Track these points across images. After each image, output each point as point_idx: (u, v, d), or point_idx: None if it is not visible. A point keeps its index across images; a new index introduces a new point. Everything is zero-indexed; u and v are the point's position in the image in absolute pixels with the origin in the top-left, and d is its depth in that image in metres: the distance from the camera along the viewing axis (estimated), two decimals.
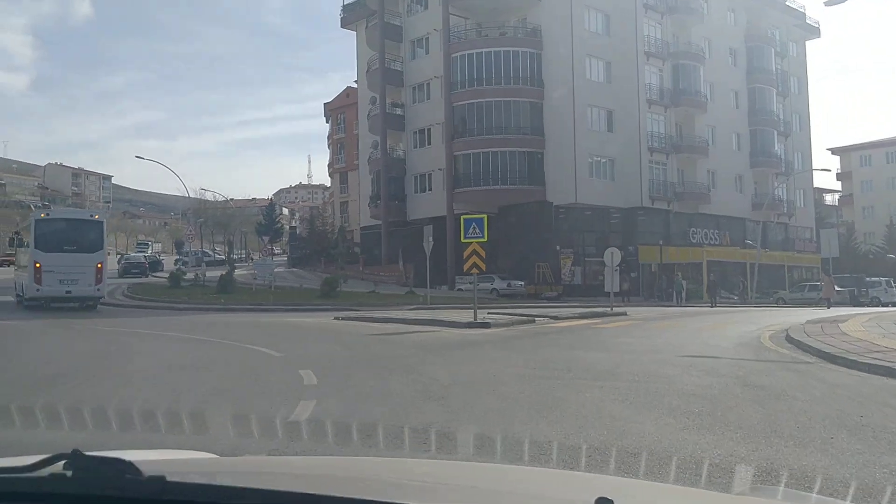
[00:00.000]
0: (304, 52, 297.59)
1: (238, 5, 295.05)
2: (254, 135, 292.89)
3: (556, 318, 23.01)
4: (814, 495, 3.23)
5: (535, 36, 49.18)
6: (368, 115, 57.39)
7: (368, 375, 9.85)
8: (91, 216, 27.58)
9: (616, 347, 13.65)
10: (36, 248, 25.61)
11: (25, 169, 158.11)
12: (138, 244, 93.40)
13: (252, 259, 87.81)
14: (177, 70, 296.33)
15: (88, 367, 11.11)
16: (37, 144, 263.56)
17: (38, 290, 25.29)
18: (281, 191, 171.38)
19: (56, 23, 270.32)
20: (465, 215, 21.99)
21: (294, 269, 57.15)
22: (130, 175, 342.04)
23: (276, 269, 33.13)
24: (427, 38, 53.80)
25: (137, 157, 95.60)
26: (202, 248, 64.16)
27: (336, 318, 21.77)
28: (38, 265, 25.48)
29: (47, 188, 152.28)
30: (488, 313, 22.50)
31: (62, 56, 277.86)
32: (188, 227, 52.69)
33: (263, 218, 74.81)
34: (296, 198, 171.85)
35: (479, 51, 49.04)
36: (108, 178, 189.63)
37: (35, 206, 36.72)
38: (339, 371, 10.27)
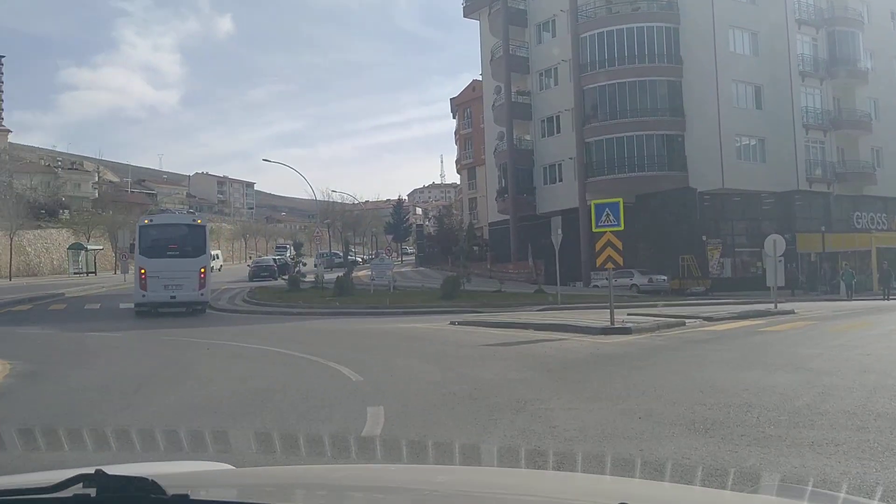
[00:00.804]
0: (435, 54, 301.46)
1: (372, 13, 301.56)
2: (389, 138, 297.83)
3: (710, 319, 19.44)
4: (842, 495, 2.52)
5: (670, 9, 44.78)
6: (493, 105, 54.73)
7: (458, 419, 7.08)
8: (193, 220, 26.48)
9: (804, 364, 10.21)
10: (140, 254, 24.99)
11: (175, 179, 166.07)
12: (277, 247, 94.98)
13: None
14: (317, 80, 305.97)
15: (121, 395, 8.99)
16: (187, 156, 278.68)
17: (143, 296, 24.54)
18: (415, 191, 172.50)
19: (201, 40, 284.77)
20: (596, 201, 18.88)
21: (421, 269, 55.35)
22: (274, 182, 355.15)
23: (402, 269, 30.96)
24: (553, 21, 50.51)
25: (265, 160, 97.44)
26: (329, 249, 63.59)
27: (452, 324, 19.14)
28: (142, 271, 24.69)
29: (194, 196, 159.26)
30: (628, 314, 19.24)
31: (208, 71, 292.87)
32: (316, 229, 51.73)
33: (392, 217, 73.66)
34: (429, 197, 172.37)
35: (610, 28, 45.21)
36: (251, 184, 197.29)
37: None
38: (419, 410, 7.56)
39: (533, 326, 17.45)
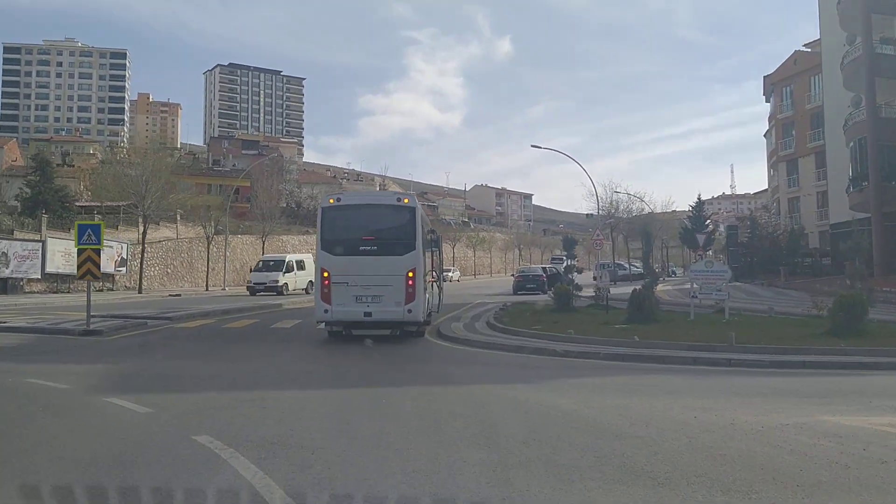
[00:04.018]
0: (717, 62, 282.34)
1: (651, 25, 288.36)
2: (668, 151, 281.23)
3: None
4: None
5: None
6: (842, 63, 40.03)
7: None
8: (398, 200, 17.02)
9: None
10: (322, 248, 16.27)
11: (456, 194, 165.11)
12: (552, 259, 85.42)
13: (673, 273, 73.52)
14: (593, 95, 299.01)
15: None
16: (469, 174, 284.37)
17: (326, 311, 15.89)
18: (697, 204, 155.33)
19: (481, 62, 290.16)
20: None
21: (737, 284, 41.78)
22: (552, 198, 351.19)
23: (726, 283, 18.91)
24: None
25: (533, 146, 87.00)
26: (613, 259, 52.08)
27: None
28: (325, 274, 15.58)
29: (473, 208, 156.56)
30: None
31: (488, 92, 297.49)
32: (595, 233, 40.43)
33: (689, 222, 60.21)
34: (719, 208, 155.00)
35: None
36: (529, 196, 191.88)
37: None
38: None
39: None
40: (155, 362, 12.88)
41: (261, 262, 44.05)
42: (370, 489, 5.05)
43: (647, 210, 61.42)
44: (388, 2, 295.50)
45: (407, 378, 10.92)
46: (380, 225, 16.49)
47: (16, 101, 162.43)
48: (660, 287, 42.38)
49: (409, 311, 15.54)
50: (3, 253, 36.41)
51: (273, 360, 13.10)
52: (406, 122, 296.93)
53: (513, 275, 49.33)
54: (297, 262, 43.81)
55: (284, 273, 41.47)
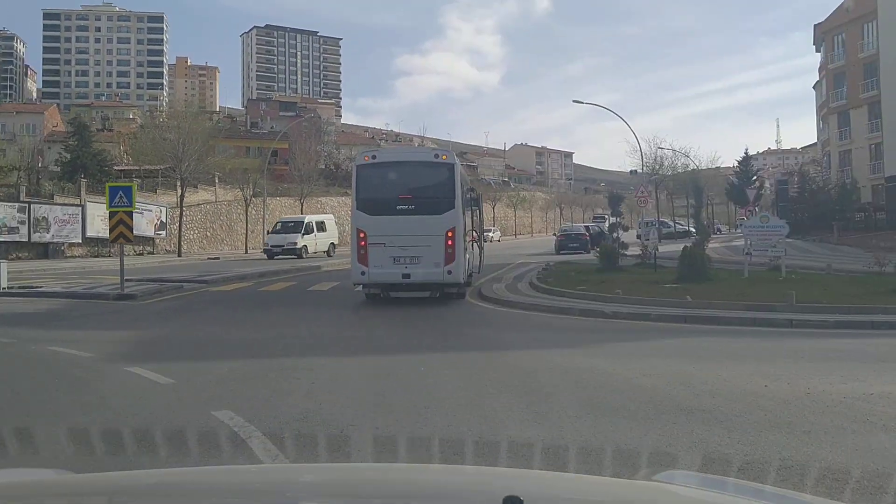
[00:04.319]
0: (764, 14, 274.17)
1: None
2: (712, 106, 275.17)
3: None
4: (731, 479, 2.89)
5: None
6: None
7: None
8: (436, 157, 16.24)
9: None
10: (358, 208, 15.63)
11: (496, 153, 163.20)
12: (594, 217, 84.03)
13: (718, 231, 71.70)
14: (634, 51, 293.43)
15: None
16: (509, 133, 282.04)
17: (363, 273, 15.30)
18: (744, 159, 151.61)
19: (519, 19, 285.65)
20: None
21: (788, 240, 40.33)
22: (593, 156, 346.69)
23: (782, 239, 17.92)
24: None
25: (575, 101, 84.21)
26: (658, 216, 50.80)
27: None
28: (361, 234, 14.91)
29: (513, 167, 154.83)
30: None
31: (526, 50, 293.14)
32: (640, 189, 39.15)
33: (737, 177, 58.44)
34: (764, 164, 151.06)
35: None
36: (570, 154, 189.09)
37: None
38: None
39: None
40: (186, 328, 12.44)
41: (279, 224, 41.86)
42: None
43: (691, 166, 59.66)
44: None
45: (448, 344, 10.27)
46: (417, 183, 15.76)
47: (56, 67, 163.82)
48: (715, 244, 41.21)
49: (449, 272, 14.85)
50: (44, 218, 36.54)
51: (307, 325, 12.55)
52: (444, 82, 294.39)
53: (555, 234, 48.34)
54: (317, 223, 41.77)
55: (303, 235, 39.25)
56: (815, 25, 65.88)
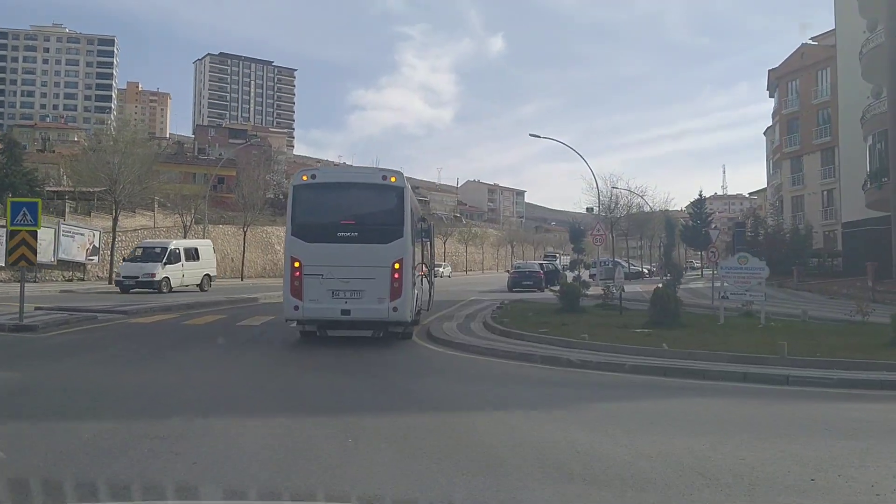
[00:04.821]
0: (709, 64, 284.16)
1: (643, 26, 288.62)
2: (659, 152, 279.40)
3: None
4: None
5: None
6: (861, 52, 37.60)
7: None
8: (383, 178, 13.94)
9: None
10: (293, 234, 13.65)
11: (448, 189, 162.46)
12: (545, 255, 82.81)
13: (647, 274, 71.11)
14: (586, 95, 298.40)
15: None
16: (461, 170, 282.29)
17: (296, 307, 13.25)
18: (698, 201, 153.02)
19: (473, 60, 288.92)
20: None
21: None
22: (544, 196, 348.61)
23: (762, 283, 16.45)
24: None
25: (532, 135, 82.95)
26: (613, 256, 49.60)
27: None
28: (296, 263, 13.01)
29: (465, 204, 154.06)
30: None
31: (480, 89, 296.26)
32: (596, 227, 37.74)
33: (692, 219, 57.88)
34: (711, 208, 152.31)
35: None
36: (521, 193, 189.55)
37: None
38: None
39: None
40: (72, 369, 10.32)
41: (139, 250, 34.05)
42: None
43: (646, 207, 58.92)
44: None
45: (388, 401, 8.37)
46: (362, 207, 13.87)
47: (1, 87, 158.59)
48: (651, 286, 39.84)
49: (395, 308, 12.96)
50: None
51: (221, 369, 10.54)
52: (397, 118, 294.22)
53: (507, 271, 46.73)
54: (187, 250, 34.52)
55: (166, 265, 31.94)
56: (769, 71, 66.43)
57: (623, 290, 19.58)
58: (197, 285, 33.98)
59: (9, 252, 15.65)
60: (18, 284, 14.93)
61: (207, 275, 35.56)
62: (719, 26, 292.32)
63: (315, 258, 13.12)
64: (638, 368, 11.20)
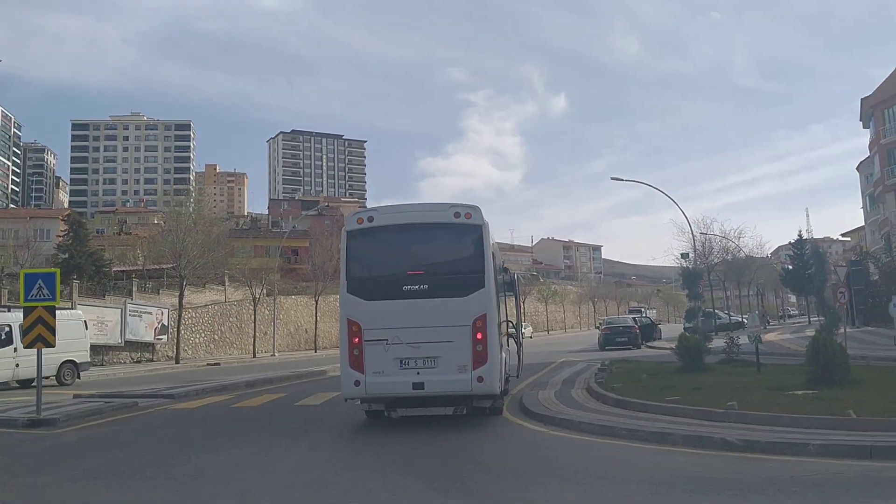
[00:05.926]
0: (780, 107, 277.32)
1: (707, 75, 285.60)
2: (735, 199, 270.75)
3: None
4: None
5: None
6: None
7: None
8: (456, 216, 10.99)
9: None
10: (349, 291, 10.89)
11: (522, 249, 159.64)
12: (630, 310, 78.32)
13: (768, 322, 65.87)
14: (654, 146, 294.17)
15: None
16: (533, 230, 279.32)
17: (357, 382, 10.54)
18: (798, 241, 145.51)
19: (537, 120, 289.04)
20: None
21: (868, 328, 34.80)
22: (620, 251, 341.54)
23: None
24: None
25: (614, 178, 79.89)
26: (713, 307, 45.45)
27: None
28: (354, 328, 10.34)
29: (541, 262, 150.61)
30: None
31: (547, 149, 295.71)
32: (698, 273, 34.00)
33: (792, 262, 53.24)
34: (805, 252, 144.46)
35: None
36: (598, 248, 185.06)
37: None
38: None
39: None
40: (61, 484, 7.68)
41: None
42: None
43: (742, 253, 54.53)
44: (444, 67, 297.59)
45: None
46: (432, 252, 11.12)
47: (84, 176, 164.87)
48: (770, 335, 35.71)
49: (480, 378, 10.06)
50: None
51: (254, 476, 7.75)
52: (466, 182, 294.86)
53: (596, 327, 43.14)
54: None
55: None
56: (861, 100, 61.84)
57: (761, 340, 16.13)
58: (54, 376, 23.78)
59: (24, 332, 13.40)
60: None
61: (70, 361, 24.52)
62: (785, 69, 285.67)
63: (377, 320, 10.34)
64: (828, 449, 7.93)
